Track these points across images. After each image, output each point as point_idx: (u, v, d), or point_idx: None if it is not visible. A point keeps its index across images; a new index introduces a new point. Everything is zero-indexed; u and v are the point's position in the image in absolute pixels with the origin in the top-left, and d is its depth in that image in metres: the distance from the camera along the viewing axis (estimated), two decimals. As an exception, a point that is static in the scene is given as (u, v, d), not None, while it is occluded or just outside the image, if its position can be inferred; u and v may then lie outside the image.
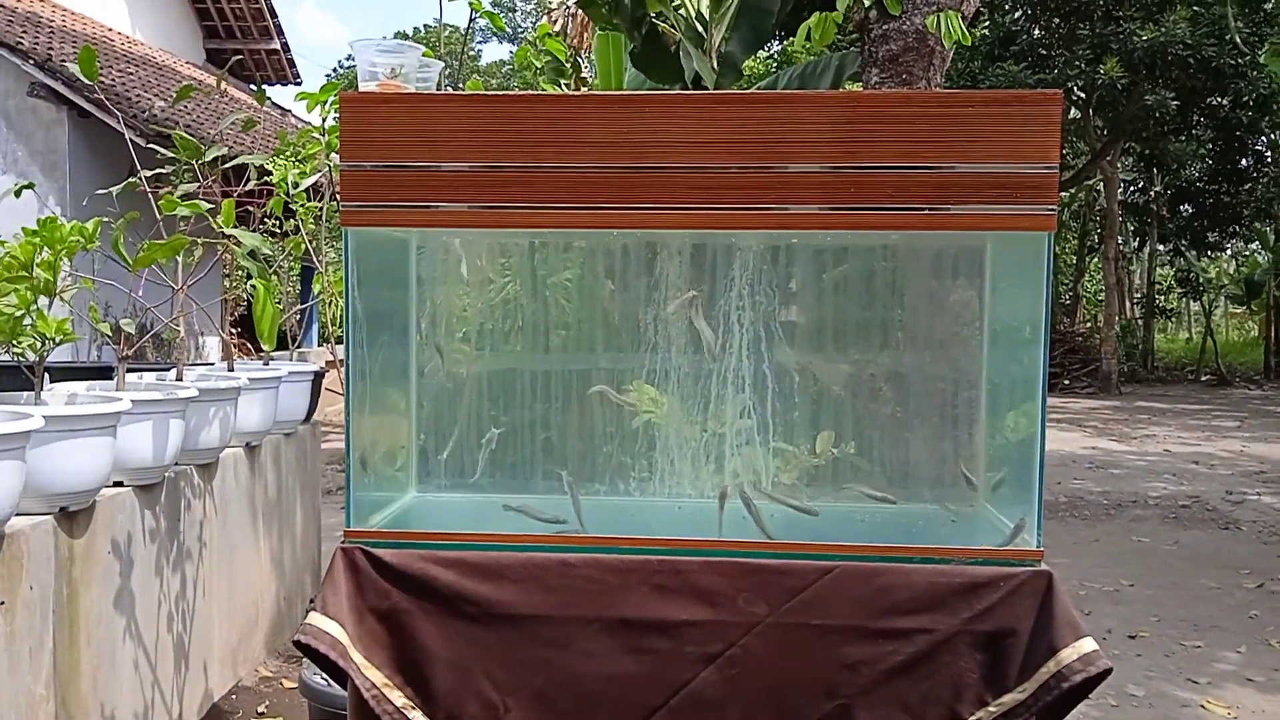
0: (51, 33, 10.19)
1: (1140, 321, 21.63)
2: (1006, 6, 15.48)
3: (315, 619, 1.96)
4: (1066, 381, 17.66)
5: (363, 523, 2.11)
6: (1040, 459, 2.03)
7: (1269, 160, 19.08)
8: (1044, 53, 15.49)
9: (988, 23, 15.87)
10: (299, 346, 5.91)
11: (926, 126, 1.97)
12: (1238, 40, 12.63)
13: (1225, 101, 15.55)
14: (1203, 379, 19.57)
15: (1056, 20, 15.11)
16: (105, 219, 2.69)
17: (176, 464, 3.07)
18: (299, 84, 16.14)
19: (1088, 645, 1.89)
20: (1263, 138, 18.56)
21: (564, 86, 4.57)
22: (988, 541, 2.12)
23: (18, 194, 3.02)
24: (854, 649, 1.96)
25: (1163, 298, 22.53)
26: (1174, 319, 25.62)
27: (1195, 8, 14.50)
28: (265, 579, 3.95)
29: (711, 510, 2.22)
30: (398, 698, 1.99)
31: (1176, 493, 8.31)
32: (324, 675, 2.77)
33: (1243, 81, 14.98)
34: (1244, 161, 18.78)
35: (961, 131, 1.97)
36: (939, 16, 4.48)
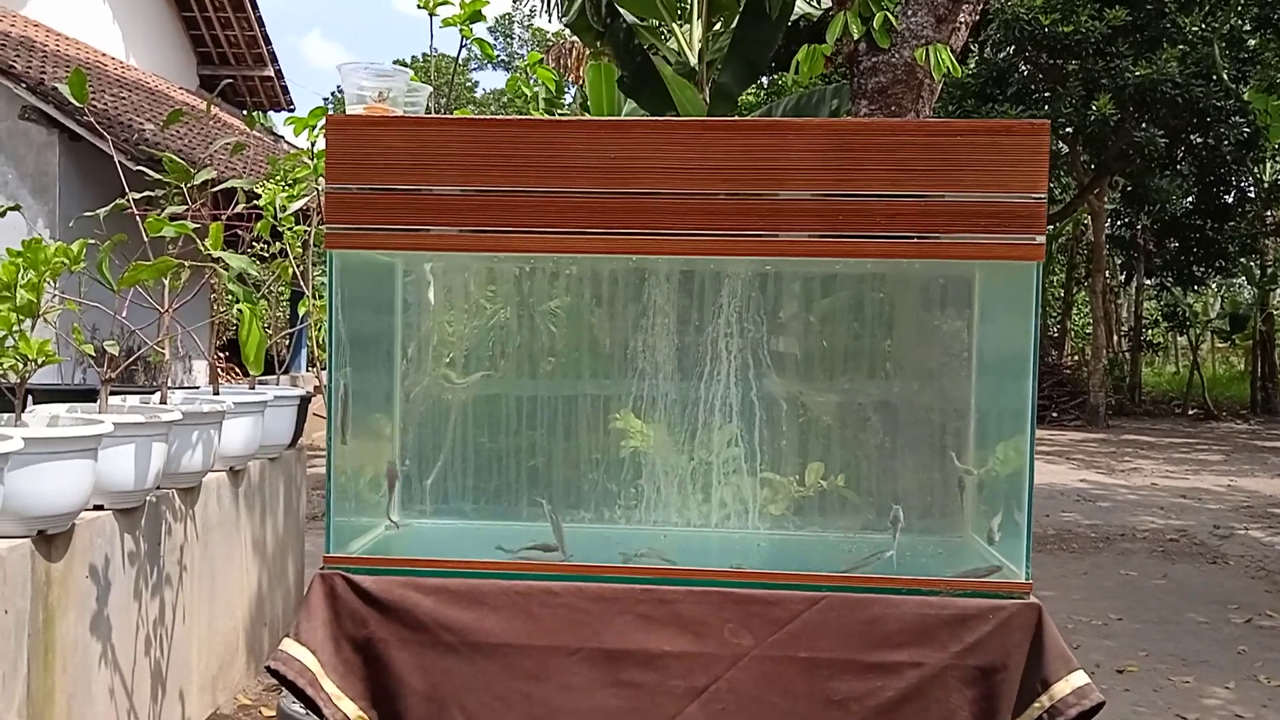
0: (44, 57, 10.20)
1: (1127, 355, 21.70)
2: (996, 40, 15.61)
3: (287, 645, 1.92)
4: (1054, 414, 17.69)
5: (343, 548, 2.08)
6: (1029, 490, 2.02)
7: (1252, 197, 19.25)
8: (1035, 90, 15.63)
9: (978, 61, 16.02)
10: (287, 370, 5.88)
11: (915, 156, 1.98)
12: (1224, 78, 12.77)
13: (1209, 140, 15.72)
14: (1189, 413, 19.62)
15: (1045, 57, 15.26)
16: (92, 241, 2.68)
17: (158, 488, 3.04)
18: (292, 110, 16.16)
19: (1079, 679, 1.87)
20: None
21: (558, 114, 4.59)
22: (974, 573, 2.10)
23: (2, 214, 3.00)
24: (842, 684, 1.93)
25: (1150, 331, 22.62)
26: (1161, 352, 25.70)
27: (1184, 46, 14.67)
28: (247, 605, 3.90)
29: (701, 537, 2.20)
30: (371, 730, 1.95)
31: (1165, 526, 8.30)
32: (302, 704, 2.72)
33: (1225, 124, 15.16)
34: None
35: (950, 161, 1.97)
36: (927, 49, 4.52)
